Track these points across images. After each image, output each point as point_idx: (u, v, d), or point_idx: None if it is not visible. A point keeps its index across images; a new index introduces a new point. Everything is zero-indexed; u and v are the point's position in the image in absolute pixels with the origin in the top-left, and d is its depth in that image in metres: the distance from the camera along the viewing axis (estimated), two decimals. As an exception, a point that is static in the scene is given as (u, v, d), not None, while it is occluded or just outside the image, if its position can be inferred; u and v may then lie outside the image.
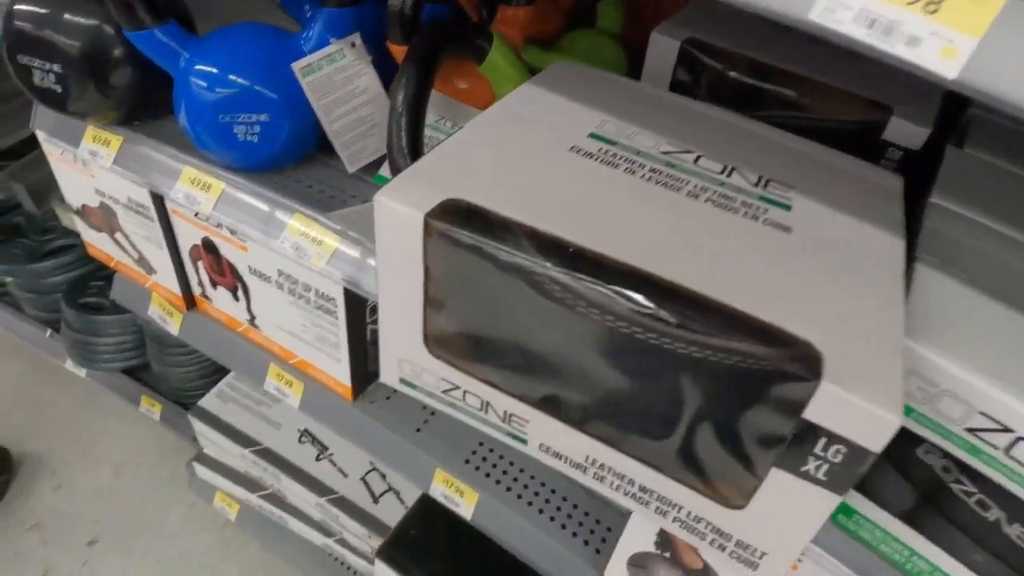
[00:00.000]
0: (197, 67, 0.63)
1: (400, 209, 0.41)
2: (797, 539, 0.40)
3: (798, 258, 0.42)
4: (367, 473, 1.12)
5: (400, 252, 0.42)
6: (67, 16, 0.65)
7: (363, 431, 0.83)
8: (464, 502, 0.77)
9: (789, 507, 0.38)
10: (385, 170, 0.71)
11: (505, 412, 0.46)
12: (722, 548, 0.43)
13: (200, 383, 1.39)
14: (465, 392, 0.47)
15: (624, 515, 0.76)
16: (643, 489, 0.44)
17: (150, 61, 0.67)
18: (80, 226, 0.98)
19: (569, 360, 0.41)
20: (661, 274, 0.38)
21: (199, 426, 1.20)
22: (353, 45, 0.67)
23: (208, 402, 1.21)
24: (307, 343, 0.81)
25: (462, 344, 0.45)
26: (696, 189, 0.47)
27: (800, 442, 0.36)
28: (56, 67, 0.67)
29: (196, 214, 0.79)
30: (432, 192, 0.41)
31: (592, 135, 0.50)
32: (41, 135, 0.84)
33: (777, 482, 0.38)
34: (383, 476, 1.12)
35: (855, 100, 0.65)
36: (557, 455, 0.46)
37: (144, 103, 0.74)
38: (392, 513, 1.07)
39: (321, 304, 0.75)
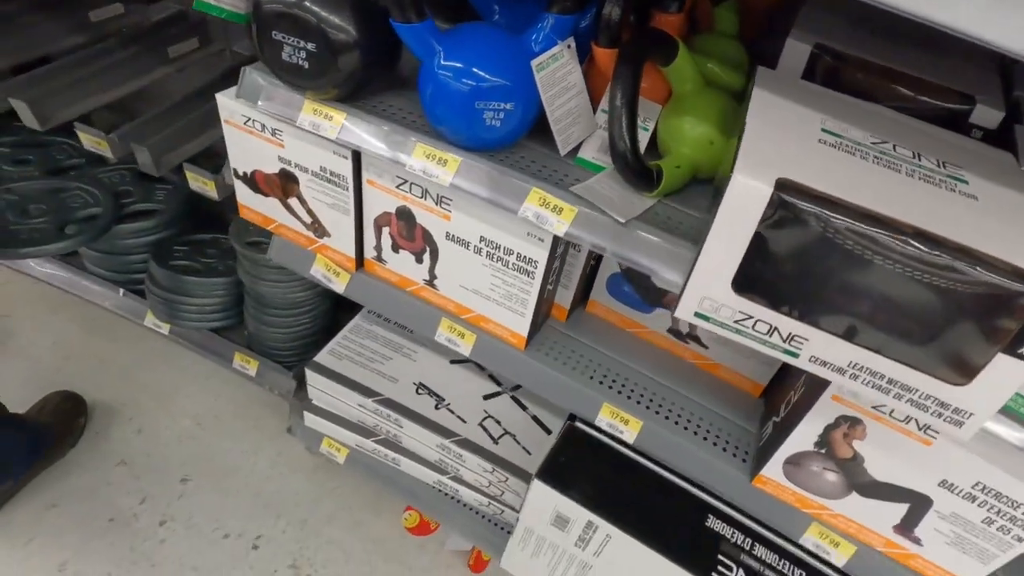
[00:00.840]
0: (455, 62, 0.73)
1: (754, 184, 0.55)
2: (996, 401, 0.58)
3: (994, 216, 0.59)
4: (484, 419, 1.25)
5: (739, 216, 0.56)
6: (333, 6, 0.73)
7: (534, 374, 0.97)
8: (628, 429, 0.93)
9: (1000, 379, 0.56)
10: (585, 152, 0.83)
11: (789, 334, 0.61)
12: (939, 415, 0.60)
13: (295, 344, 1.47)
14: (756, 321, 0.62)
15: (753, 434, 0.94)
16: (890, 381, 0.60)
17: (380, 48, 0.76)
18: (240, 190, 1.05)
19: (859, 292, 0.57)
20: (933, 230, 0.54)
21: (316, 379, 1.29)
22: (569, 47, 0.79)
23: (323, 358, 1.31)
24: (491, 300, 0.93)
25: (768, 284, 0.59)
26: (910, 170, 0.62)
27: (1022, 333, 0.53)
28: (310, 46, 0.75)
29: (398, 182, 0.89)
30: (767, 174, 0.55)
31: (824, 130, 0.65)
32: (239, 105, 0.91)
33: (998, 363, 0.55)
34: (498, 422, 1.26)
35: (948, 92, 0.82)
36: (823, 363, 0.62)
37: (364, 84, 0.83)
38: (512, 452, 1.21)
39: (520, 266, 0.87)
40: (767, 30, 1.00)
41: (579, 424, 1.08)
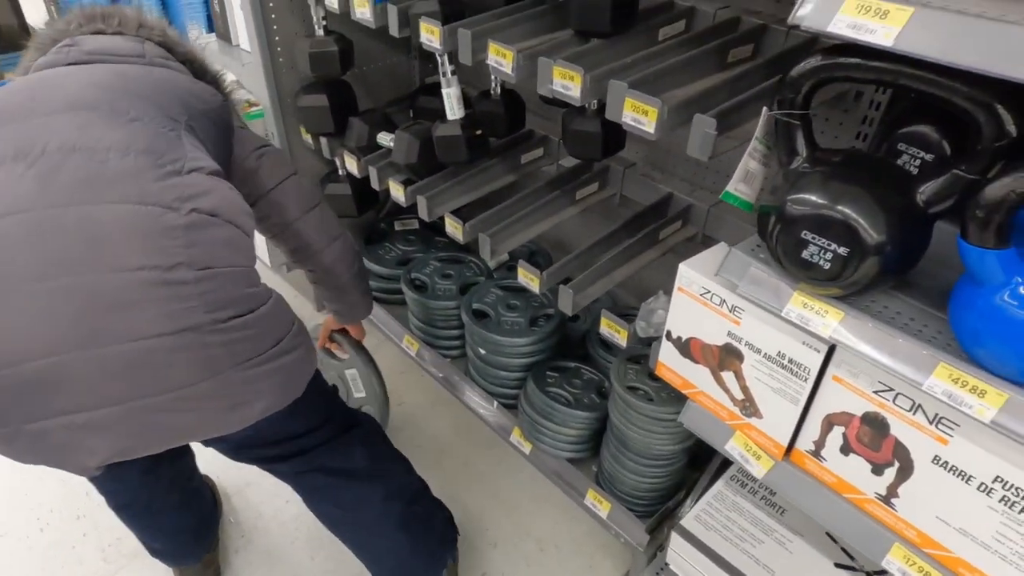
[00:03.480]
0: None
1: None
2: None
3: None
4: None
5: None
6: (877, 216, 0.70)
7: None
8: None
9: None
10: None
11: None
12: None
13: (646, 493, 1.43)
14: None
15: None
16: None
17: (907, 257, 0.70)
18: (666, 350, 1.06)
19: None
20: None
21: (681, 545, 1.22)
22: None
23: (690, 524, 1.23)
24: (992, 551, 0.76)
25: None
26: None
27: None
28: (841, 249, 0.72)
29: (878, 388, 0.79)
30: None
31: None
32: (702, 277, 0.92)
33: None
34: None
35: None
36: None
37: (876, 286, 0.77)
38: None
39: (1054, 525, 0.70)
40: None
41: None
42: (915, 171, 0.87)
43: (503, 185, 1.68)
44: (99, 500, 1.29)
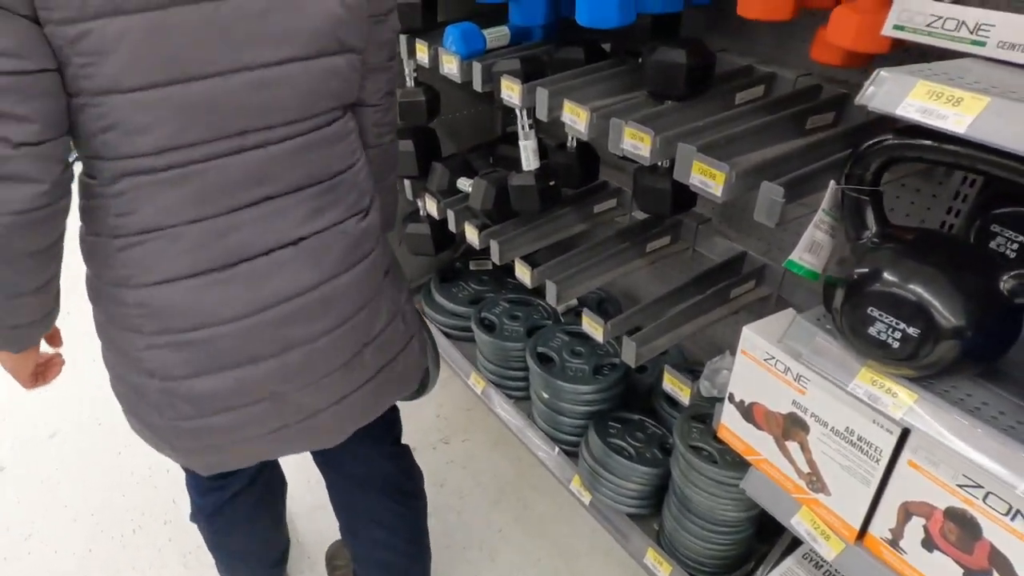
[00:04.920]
0: None
1: None
2: None
3: None
4: None
5: None
6: (953, 298, 0.67)
7: None
8: None
9: None
10: None
11: None
12: None
13: (708, 560, 1.38)
14: None
15: None
16: None
17: (990, 344, 0.65)
18: (728, 413, 1.04)
19: None
20: None
21: (740, 620, 1.16)
22: None
23: (754, 597, 1.18)
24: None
25: None
26: None
27: None
28: (911, 330, 0.69)
29: (962, 483, 0.74)
30: None
31: None
32: (766, 343, 0.90)
33: None
34: None
35: None
36: None
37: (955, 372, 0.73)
38: None
39: None
40: None
41: None
42: (1012, 255, 0.83)
43: (575, 233, 1.71)
44: (186, 508, 1.38)
